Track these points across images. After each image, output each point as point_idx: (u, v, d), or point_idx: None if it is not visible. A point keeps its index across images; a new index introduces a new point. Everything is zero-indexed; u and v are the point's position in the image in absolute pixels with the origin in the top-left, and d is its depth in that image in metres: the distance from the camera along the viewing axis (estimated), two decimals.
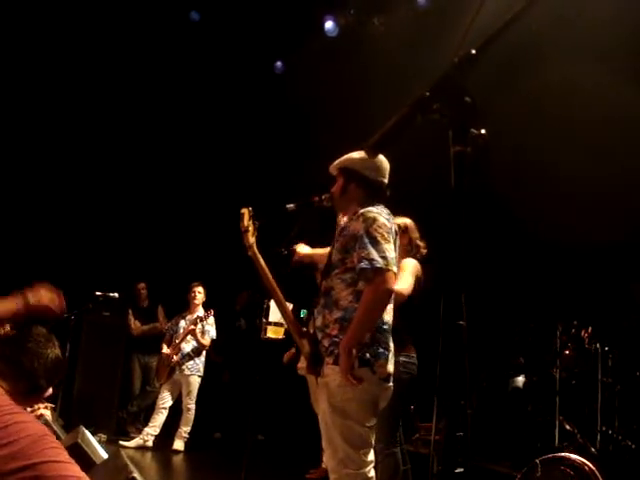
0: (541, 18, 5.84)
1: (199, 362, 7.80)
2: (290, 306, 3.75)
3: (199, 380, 7.77)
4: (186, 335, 7.75)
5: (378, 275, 3.07)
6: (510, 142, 6.49)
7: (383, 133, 1.33)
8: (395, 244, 3.26)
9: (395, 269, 3.14)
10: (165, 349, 7.83)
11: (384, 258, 3.08)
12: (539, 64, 6.55)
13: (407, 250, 4.45)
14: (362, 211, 3.23)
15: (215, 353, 8.67)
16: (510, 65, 6.35)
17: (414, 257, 4.46)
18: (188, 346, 7.76)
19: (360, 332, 3.08)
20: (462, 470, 1.19)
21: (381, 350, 3.16)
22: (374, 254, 3.08)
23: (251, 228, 3.62)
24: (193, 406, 7.64)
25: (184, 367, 7.68)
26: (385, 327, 3.21)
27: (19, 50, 8.37)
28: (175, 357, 7.68)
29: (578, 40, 6.20)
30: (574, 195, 6.39)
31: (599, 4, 5.94)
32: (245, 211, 3.68)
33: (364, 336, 3.11)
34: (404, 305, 4.40)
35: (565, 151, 6.39)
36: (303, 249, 3.89)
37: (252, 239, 3.61)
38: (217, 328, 8.11)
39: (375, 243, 3.10)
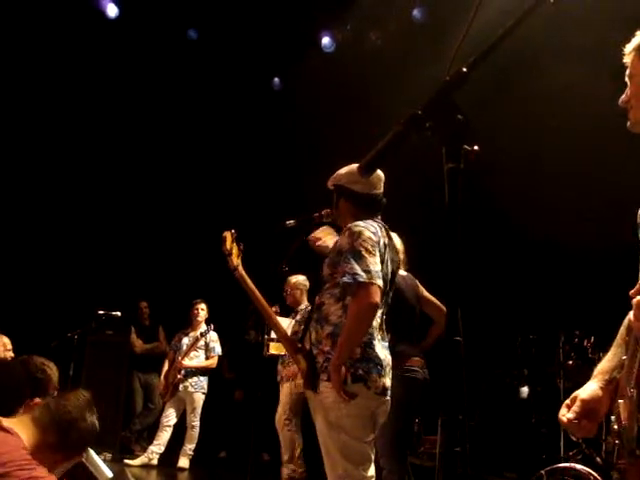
0: (536, 22, 5.86)
1: (203, 379, 7.80)
2: (290, 322, 3.76)
3: (203, 397, 7.76)
4: (189, 352, 7.75)
5: (361, 289, 3.06)
6: (509, 150, 6.53)
7: (376, 152, 1.35)
8: (384, 257, 3.25)
9: (380, 282, 3.10)
10: (166, 367, 7.84)
11: (367, 272, 3.07)
12: (535, 68, 6.58)
13: None
14: (349, 225, 3.25)
15: (227, 370, 8.67)
16: (506, 69, 6.39)
17: None
18: (191, 363, 7.76)
19: (347, 347, 3.07)
20: None
21: (372, 365, 3.13)
22: (356, 268, 3.07)
23: (235, 250, 3.62)
24: (197, 423, 7.63)
25: (188, 384, 7.68)
26: (375, 342, 3.18)
27: (23, 60, 8.42)
28: (179, 375, 7.68)
29: (573, 43, 6.23)
30: (575, 203, 6.39)
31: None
32: (227, 234, 3.67)
33: (353, 351, 3.09)
34: (403, 319, 4.42)
35: (565, 157, 6.40)
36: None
37: (237, 261, 3.60)
38: (228, 345, 8.11)
39: (359, 257, 3.10)
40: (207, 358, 7.88)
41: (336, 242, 3.36)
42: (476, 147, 1.36)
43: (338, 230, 3.57)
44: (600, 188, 6.15)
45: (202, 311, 7.98)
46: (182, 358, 7.75)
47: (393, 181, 3.42)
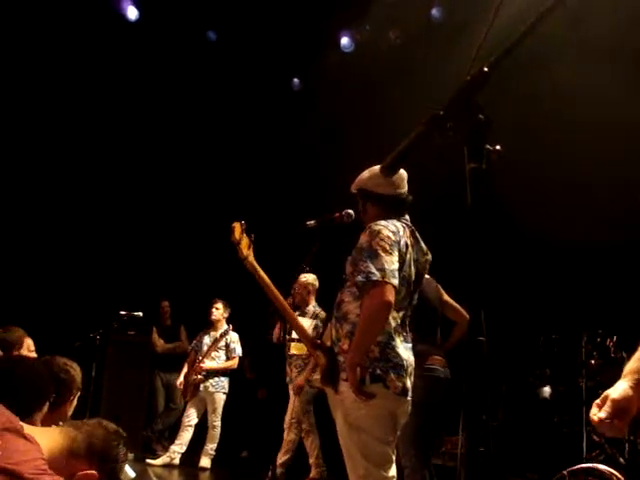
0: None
1: (224, 379, 7.83)
2: (311, 323, 3.76)
3: (224, 397, 7.79)
4: (209, 352, 7.79)
5: (374, 288, 3.06)
6: (520, 150, 6.49)
7: (397, 153, 1.35)
8: (405, 257, 3.24)
9: (395, 282, 3.09)
10: (186, 368, 7.89)
11: (381, 270, 3.06)
12: (542, 67, 6.54)
13: None
14: (370, 224, 3.25)
15: (250, 370, 8.69)
16: (513, 68, 6.36)
17: None
18: (212, 363, 7.79)
19: (361, 346, 3.06)
20: None
21: (391, 365, 3.12)
22: (371, 267, 3.07)
23: (244, 241, 3.62)
24: (218, 423, 7.66)
25: (208, 384, 7.71)
26: (395, 342, 3.17)
27: (31, 61, 8.50)
28: (199, 375, 7.72)
29: (583, 42, 6.19)
30: (599, 203, 6.34)
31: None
32: (236, 225, 3.69)
33: (367, 349, 3.08)
34: (425, 320, 4.43)
35: (581, 155, 6.35)
36: None
37: (246, 251, 3.61)
38: (249, 344, 8.14)
39: (374, 256, 3.10)
40: (228, 359, 7.90)
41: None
42: (498, 147, 1.36)
43: (353, 231, 3.56)
44: (621, 188, 6.10)
45: (216, 310, 7.96)
46: (202, 359, 7.78)
47: (414, 182, 3.41)
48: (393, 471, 3.18)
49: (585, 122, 6.15)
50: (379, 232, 3.16)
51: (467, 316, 4.67)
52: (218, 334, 7.86)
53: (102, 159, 9.26)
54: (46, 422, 3.43)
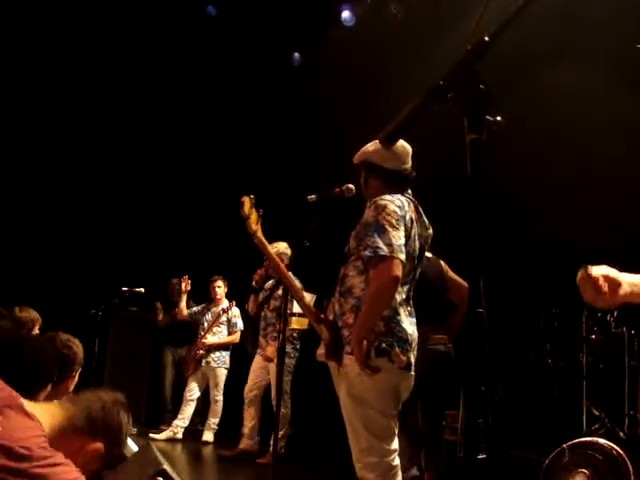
0: (547, 20, 5.84)
1: (225, 354, 7.87)
2: (312, 297, 3.78)
3: (225, 372, 7.84)
4: (211, 328, 7.84)
5: (382, 263, 3.06)
6: (529, 132, 6.48)
7: (397, 124, 1.34)
8: (410, 232, 3.23)
9: (402, 256, 3.08)
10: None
11: (389, 245, 3.06)
12: (545, 65, 6.51)
13: None
14: (375, 199, 3.23)
15: (252, 345, 8.72)
16: (516, 64, 6.36)
17: None
18: (214, 338, 7.83)
19: (368, 320, 3.07)
20: (484, 456, 1.20)
21: (396, 339, 3.13)
22: (379, 242, 3.06)
23: (253, 216, 3.61)
24: (221, 398, 7.72)
25: (210, 359, 7.75)
26: (401, 317, 3.19)
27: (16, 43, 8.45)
28: (201, 350, 7.75)
29: (583, 42, 6.16)
30: (597, 181, 6.33)
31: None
32: (246, 199, 3.67)
33: (373, 324, 3.09)
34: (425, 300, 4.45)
35: (585, 135, 6.33)
36: None
37: (255, 226, 3.61)
38: (251, 320, 8.17)
39: (382, 231, 3.09)
40: (230, 333, 7.94)
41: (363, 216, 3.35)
42: (499, 117, 1.35)
43: (354, 205, 3.55)
44: (618, 167, 6.07)
45: (219, 288, 8.03)
46: (204, 334, 7.83)
47: (416, 154, 3.39)
48: (395, 444, 3.20)
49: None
50: (385, 207, 3.15)
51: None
52: (219, 309, 7.89)
53: (103, 136, 9.24)
54: (47, 398, 3.45)
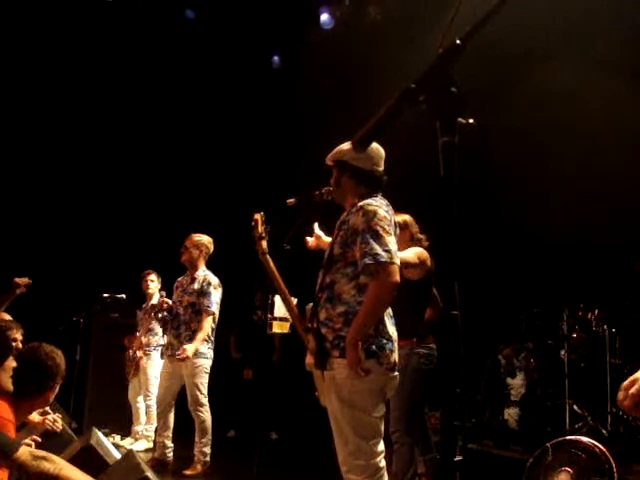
0: (543, 21, 5.90)
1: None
2: (294, 301, 3.78)
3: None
4: (147, 326, 7.42)
5: (383, 269, 3.07)
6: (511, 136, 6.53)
7: (369, 127, 1.34)
8: (395, 236, 3.26)
9: (398, 261, 3.14)
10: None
11: (387, 252, 3.08)
12: (540, 66, 6.56)
13: (410, 245, 4.52)
14: (361, 204, 3.23)
15: (235, 350, 8.68)
16: (512, 66, 6.40)
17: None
18: (153, 336, 7.45)
19: (366, 326, 3.10)
20: (461, 458, 1.20)
21: (385, 341, 3.17)
22: (377, 249, 3.08)
23: (264, 234, 3.69)
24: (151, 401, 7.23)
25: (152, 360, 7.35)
26: (385, 318, 3.22)
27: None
28: (139, 351, 7.35)
29: (579, 44, 6.22)
30: (578, 180, 6.37)
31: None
32: (258, 217, 3.73)
33: (370, 329, 3.12)
34: (418, 296, 4.46)
35: (564, 131, 6.37)
36: (320, 235, 3.88)
37: (265, 245, 3.69)
38: (236, 325, 8.03)
39: (377, 237, 3.10)
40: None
41: (344, 221, 3.35)
42: (471, 120, 1.35)
43: (334, 208, 3.55)
44: (599, 164, 6.11)
45: (152, 282, 7.56)
46: (141, 334, 7.41)
47: (390, 155, 3.40)
48: (382, 446, 3.23)
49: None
50: (375, 212, 3.16)
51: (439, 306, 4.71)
52: (150, 306, 7.42)
53: (80, 146, 9.18)
54: (29, 408, 3.45)
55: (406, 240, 4.52)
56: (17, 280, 5.28)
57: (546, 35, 6.43)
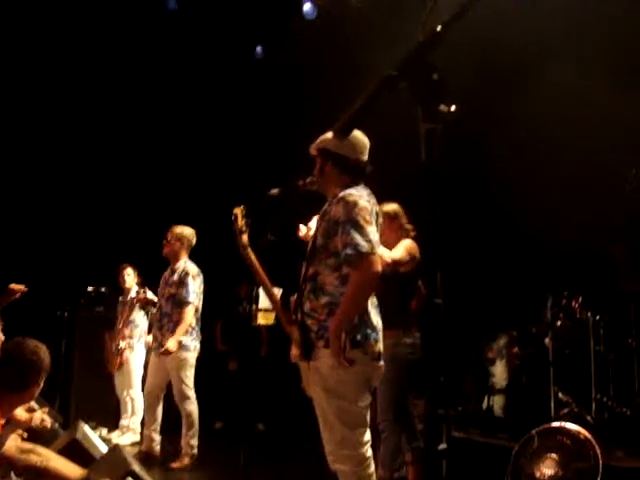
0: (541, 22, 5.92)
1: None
2: (277, 291, 3.78)
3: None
4: (127, 318, 7.32)
5: (365, 260, 3.08)
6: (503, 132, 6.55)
7: (350, 115, 1.33)
8: (377, 226, 3.26)
9: (379, 252, 3.16)
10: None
11: (369, 242, 3.09)
12: (536, 67, 6.57)
13: (400, 235, 4.53)
14: (342, 195, 3.22)
15: (221, 341, 8.66)
16: (511, 67, 6.41)
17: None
18: (134, 328, 7.37)
19: (349, 316, 3.10)
20: (445, 447, 1.19)
21: (369, 331, 3.18)
22: (358, 239, 3.08)
23: (244, 228, 3.67)
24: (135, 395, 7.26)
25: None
26: (369, 308, 3.22)
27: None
28: (122, 343, 7.24)
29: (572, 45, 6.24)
30: (566, 170, 6.39)
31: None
32: (238, 211, 3.72)
33: (353, 319, 3.12)
34: (405, 287, 4.48)
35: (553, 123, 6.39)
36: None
37: (246, 238, 3.67)
38: (221, 317, 8.10)
39: (358, 227, 3.10)
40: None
41: (326, 211, 3.34)
42: (453, 107, 1.34)
43: (319, 198, 3.54)
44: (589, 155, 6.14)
45: (128, 276, 7.46)
46: (122, 326, 7.27)
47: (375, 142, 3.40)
48: (368, 435, 3.25)
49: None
50: (356, 203, 3.16)
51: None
52: (128, 298, 7.34)
53: (63, 140, 9.12)
54: (14, 403, 3.43)
55: (396, 230, 4.55)
56: (13, 287, 5.25)
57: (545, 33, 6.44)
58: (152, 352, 6.25)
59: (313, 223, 3.81)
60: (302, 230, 3.84)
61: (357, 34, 7.71)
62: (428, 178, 1.30)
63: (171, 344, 5.84)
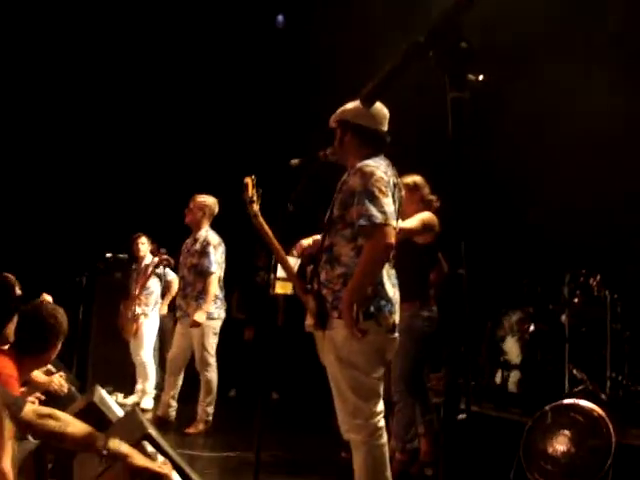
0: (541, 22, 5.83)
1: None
2: (296, 262, 3.78)
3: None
4: (144, 284, 7.45)
5: (377, 230, 3.07)
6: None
7: (376, 83, 1.31)
8: (394, 197, 3.24)
9: (394, 223, 3.14)
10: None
11: (383, 213, 3.08)
12: (542, 62, 6.49)
13: (420, 207, 4.50)
14: (359, 165, 3.22)
15: (237, 310, 8.69)
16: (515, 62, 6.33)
17: (430, 211, 4.50)
18: (150, 295, 7.52)
19: (361, 287, 3.10)
20: (464, 416, 1.19)
21: (383, 302, 3.18)
22: (372, 210, 3.07)
23: (255, 197, 3.67)
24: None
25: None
26: (385, 280, 3.21)
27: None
28: (138, 309, 7.38)
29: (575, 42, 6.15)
30: (577, 148, 6.32)
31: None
32: (248, 180, 3.74)
33: (365, 290, 3.12)
34: (424, 259, 4.46)
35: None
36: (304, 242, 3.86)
37: (256, 207, 3.68)
38: (238, 286, 8.11)
39: (373, 198, 3.09)
40: (166, 287, 7.68)
41: (344, 182, 3.34)
42: (481, 76, 1.32)
43: (339, 169, 3.53)
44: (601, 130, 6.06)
45: (142, 245, 7.59)
46: (139, 292, 7.39)
47: (397, 114, 3.37)
48: (381, 406, 3.25)
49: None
50: (372, 173, 3.15)
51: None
52: (143, 265, 7.52)
53: (84, 105, 9.11)
54: (31, 366, 3.47)
55: (417, 201, 4.52)
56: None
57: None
58: (178, 321, 6.31)
59: (315, 238, 3.80)
60: (303, 245, 3.84)
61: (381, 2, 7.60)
62: (454, 147, 1.28)
63: (199, 317, 5.95)
